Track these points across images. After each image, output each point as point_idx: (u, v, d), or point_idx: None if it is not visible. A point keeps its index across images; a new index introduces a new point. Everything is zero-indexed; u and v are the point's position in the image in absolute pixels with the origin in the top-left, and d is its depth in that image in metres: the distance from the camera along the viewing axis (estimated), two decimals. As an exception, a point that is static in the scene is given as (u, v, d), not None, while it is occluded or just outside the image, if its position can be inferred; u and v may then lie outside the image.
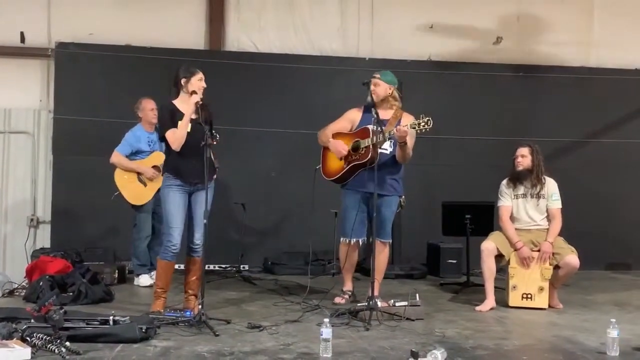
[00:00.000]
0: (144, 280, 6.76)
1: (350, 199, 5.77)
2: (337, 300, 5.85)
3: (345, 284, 6.00)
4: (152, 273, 6.66)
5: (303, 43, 8.72)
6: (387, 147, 5.60)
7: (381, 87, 5.69)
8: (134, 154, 6.79)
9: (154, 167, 6.73)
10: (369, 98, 5.64)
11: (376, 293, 5.31)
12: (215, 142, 5.61)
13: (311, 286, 6.01)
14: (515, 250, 5.86)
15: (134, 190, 6.75)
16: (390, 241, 5.91)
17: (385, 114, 5.63)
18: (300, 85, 8.43)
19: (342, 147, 5.71)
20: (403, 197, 5.86)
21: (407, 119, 5.60)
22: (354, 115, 5.85)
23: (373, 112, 5.45)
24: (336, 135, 5.83)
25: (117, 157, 6.74)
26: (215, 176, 5.30)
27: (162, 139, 5.27)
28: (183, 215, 5.25)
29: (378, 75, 5.77)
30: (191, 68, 5.30)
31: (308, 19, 8.75)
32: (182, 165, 5.17)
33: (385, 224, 5.69)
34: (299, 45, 8.71)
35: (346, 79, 8.05)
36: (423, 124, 5.31)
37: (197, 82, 5.23)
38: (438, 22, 8.88)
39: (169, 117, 5.20)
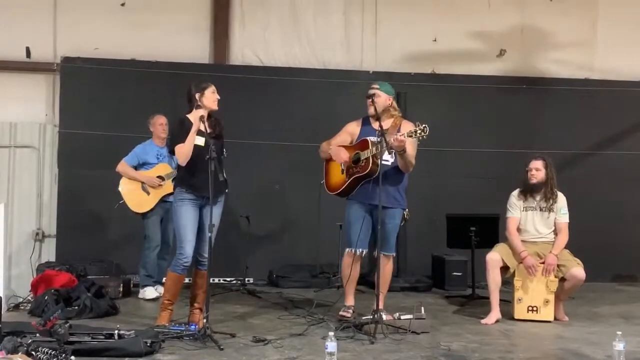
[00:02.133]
0: (149, 293, 6.75)
1: (355, 209, 5.70)
2: (341, 314, 5.73)
3: (347, 299, 5.83)
4: (158, 287, 6.70)
5: (307, 56, 8.76)
6: (388, 158, 5.52)
7: (382, 98, 5.65)
8: (141, 166, 6.92)
9: (158, 177, 6.81)
10: (370, 110, 5.64)
11: (381, 306, 5.30)
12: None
13: (316, 299, 5.98)
14: (520, 259, 5.85)
15: (137, 199, 6.83)
16: (394, 254, 5.85)
17: (385, 124, 5.54)
18: (305, 98, 8.44)
19: (343, 152, 5.65)
20: (407, 210, 5.78)
21: (407, 127, 5.56)
22: (353, 128, 5.82)
23: (377, 125, 5.44)
24: None
25: (123, 166, 6.87)
26: (227, 190, 5.30)
27: (172, 152, 5.30)
28: (195, 229, 5.26)
29: (377, 86, 5.74)
30: (203, 82, 5.33)
31: (312, 32, 8.79)
32: (195, 180, 5.18)
33: (389, 237, 5.62)
34: (303, 58, 8.75)
35: (350, 92, 8.06)
36: (419, 131, 5.29)
37: (211, 94, 5.28)
38: (441, 34, 8.92)
39: (181, 132, 5.21)
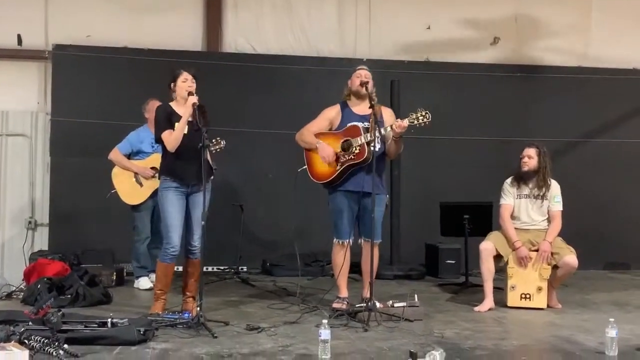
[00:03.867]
0: (144, 283, 6.73)
1: (342, 199, 5.59)
2: (336, 305, 5.60)
3: (341, 290, 5.71)
4: (152, 276, 6.66)
5: (301, 44, 8.73)
6: (376, 145, 5.39)
7: (370, 84, 5.62)
8: (135, 154, 6.79)
9: (152, 168, 6.70)
10: (362, 90, 5.55)
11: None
12: (219, 149, 5.64)
13: (309, 287, 5.96)
14: (514, 249, 5.86)
15: (129, 190, 6.74)
16: (381, 240, 5.75)
17: (363, 108, 5.57)
18: (298, 87, 8.41)
19: (330, 152, 5.53)
20: (387, 196, 5.77)
21: (386, 112, 5.62)
22: (332, 114, 5.72)
23: (358, 109, 5.54)
24: (319, 136, 5.67)
25: (115, 154, 6.75)
26: (212, 177, 5.30)
27: (158, 140, 5.27)
28: (181, 218, 5.25)
29: (367, 69, 5.73)
30: (177, 70, 5.32)
31: (305, 20, 8.75)
32: (179, 168, 5.18)
33: (379, 223, 5.56)
34: (297, 46, 8.72)
35: (344, 80, 7.98)
36: (421, 117, 5.28)
37: (181, 83, 5.25)
38: (435, 22, 8.89)
39: (165, 119, 5.21)
